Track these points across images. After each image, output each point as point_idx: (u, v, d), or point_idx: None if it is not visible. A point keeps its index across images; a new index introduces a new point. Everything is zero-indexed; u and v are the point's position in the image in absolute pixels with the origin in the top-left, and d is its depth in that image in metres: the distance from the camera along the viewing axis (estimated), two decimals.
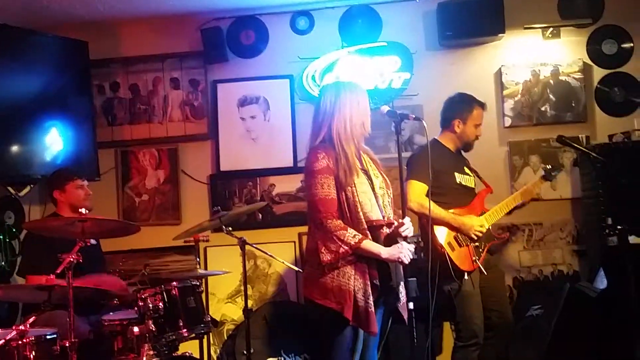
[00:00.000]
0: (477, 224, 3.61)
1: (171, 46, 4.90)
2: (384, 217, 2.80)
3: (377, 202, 2.81)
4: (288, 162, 4.79)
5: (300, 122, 4.81)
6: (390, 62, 4.71)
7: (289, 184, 4.79)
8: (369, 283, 2.68)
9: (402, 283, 2.78)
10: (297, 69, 4.82)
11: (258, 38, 4.88)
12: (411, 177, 3.60)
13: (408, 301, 2.76)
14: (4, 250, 4.41)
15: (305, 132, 4.66)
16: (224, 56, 4.84)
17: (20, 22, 4.39)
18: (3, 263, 4.37)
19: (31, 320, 2.86)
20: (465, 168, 3.82)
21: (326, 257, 2.68)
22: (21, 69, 4.29)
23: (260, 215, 4.77)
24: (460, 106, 3.79)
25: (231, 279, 4.58)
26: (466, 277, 3.54)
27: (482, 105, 3.82)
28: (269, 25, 4.88)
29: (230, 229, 3.77)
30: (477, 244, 3.62)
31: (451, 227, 3.59)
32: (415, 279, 2.77)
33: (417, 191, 3.54)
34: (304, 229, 4.56)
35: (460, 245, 3.58)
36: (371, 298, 2.67)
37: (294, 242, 4.72)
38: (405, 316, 2.80)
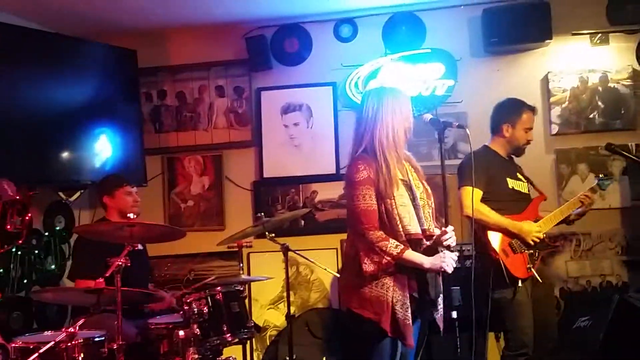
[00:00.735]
0: (535, 229, 3.56)
1: (217, 54, 4.98)
2: (424, 229, 2.75)
3: (417, 213, 2.75)
4: (330, 169, 4.81)
5: (342, 129, 4.82)
6: (434, 69, 4.68)
7: (331, 191, 4.80)
8: (407, 295, 2.65)
9: (453, 294, 2.76)
10: (340, 77, 4.84)
11: (302, 46, 4.92)
12: (464, 184, 3.57)
13: (451, 310, 2.74)
14: (55, 254, 4.54)
15: (348, 139, 4.69)
16: (268, 64, 4.90)
17: (72, 31, 4.54)
18: (53, 266, 4.50)
19: (80, 322, 2.92)
20: (518, 174, 3.77)
21: (369, 267, 2.66)
22: (72, 77, 4.41)
23: (302, 222, 4.79)
24: (509, 110, 3.76)
25: (273, 285, 4.62)
26: (520, 284, 3.48)
27: (532, 109, 3.79)
28: (313, 33, 4.92)
29: (273, 235, 3.81)
30: (531, 251, 3.56)
31: (508, 232, 3.54)
32: (458, 287, 2.75)
33: (470, 197, 3.50)
34: (346, 236, 4.61)
35: (514, 252, 3.53)
36: (409, 310, 2.64)
37: (336, 249, 4.72)
38: (442, 327, 2.77)
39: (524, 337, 3.52)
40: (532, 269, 3.52)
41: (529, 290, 3.55)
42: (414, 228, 2.71)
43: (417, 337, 2.86)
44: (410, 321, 2.64)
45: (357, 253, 2.71)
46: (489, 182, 3.57)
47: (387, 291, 2.64)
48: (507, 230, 3.54)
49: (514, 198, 3.68)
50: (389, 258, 2.63)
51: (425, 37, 4.77)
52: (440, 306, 2.79)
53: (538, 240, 3.55)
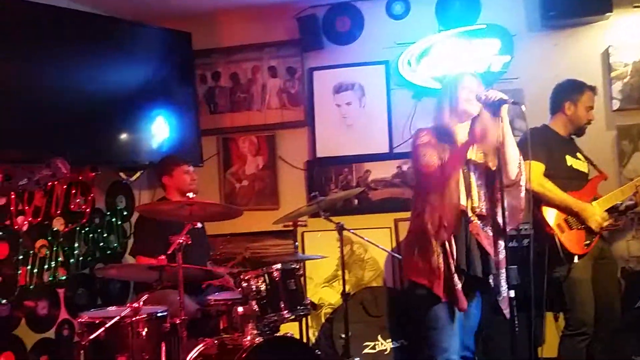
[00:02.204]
0: (599, 213, 3.50)
1: (269, 35, 4.99)
2: (473, 207, 2.83)
3: (468, 189, 2.84)
4: (384, 148, 4.79)
5: (395, 108, 4.79)
6: (489, 44, 4.59)
7: (385, 170, 4.79)
8: (452, 262, 2.77)
9: (502, 275, 2.78)
10: (393, 55, 4.79)
11: (353, 24, 4.89)
12: (525, 159, 3.53)
13: (509, 289, 2.74)
14: (117, 233, 4.69)
15: (401, 118, 4.75)
16: (319, 44, 4.89)
17: (128, 14, 4.62)
18: (116, 245, 4.65)
19: (144, 298, 3.02)
20: (577, 153, 3.70)
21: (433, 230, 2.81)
22: (129, 60, 4.49)
23: (356, 201, 4.80)
24: (571, 88, 3.72)
25: (328, 263, 4.65)
26: (576, 260, 3.43)
27: (592, 89, 3.73)
28: (364, 11, 4.88)
29: (328, 214, 3.84)
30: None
31: (569, 210, 3.48)
32: (515, 266, 2.74)
33: (535, 171, 3.46)
34: (400, 215, 4.62)
35: (570, 228, 3.48)
36: (457, 277, 2.77)
37: (390, 228, 4.72)
38: (506, 311, 2.79)
39: (583, 316, 3.47)
40: (589, 246, 3.46)
41: (589, 269, 3.49)
42: (462, 200, 2.83)
43: (479, 317, 2.96)
44: (460, 286, 2.78)
45: (422, 222, 2.83)
46: (548, 158, 3.53)
47: (438, 258, 2.79)
48: (569, 208, 3.48)
49: (573, 176, 3.62)
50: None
51: (480, 12, 4.67)
52: (504, 289, 2.82)
53: (599, 226, 3.48)
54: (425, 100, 4.68)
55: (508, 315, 2.77)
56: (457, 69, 3.11)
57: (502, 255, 2.84)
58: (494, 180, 2.86)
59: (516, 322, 2.71)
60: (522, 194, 2.89)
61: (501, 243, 2.84)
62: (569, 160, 3.64)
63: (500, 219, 2.77)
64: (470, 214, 2.83)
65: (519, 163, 2.86)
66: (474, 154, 2.89)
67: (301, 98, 4.95)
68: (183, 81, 4.86)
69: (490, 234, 2.87)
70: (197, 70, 5.03)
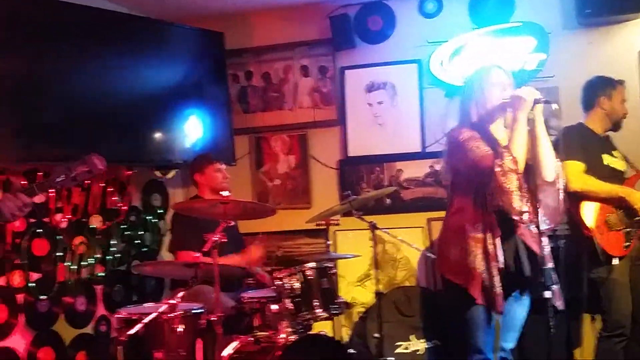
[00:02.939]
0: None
1: (301, 34, 5.01)
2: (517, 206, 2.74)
3: (514, 190, 2.74)
4: (416, 147, 4.78)
5: (428, 107, 4.77)
6: (524, 43, 4.54)
7: (417, 170, 4.78)
8: (494, 265, 2.70)
9: (546, 273, 2.73)
10: (425, 54, 4.77)
11: (385, 23, 4.88)
12: (564, 158, 3.49)
13: (545, 290, 2.70)
14: (152, 230, 4.76)
15: (433, 117, 4.73)
16: (351, 43, 4.89)
17: (162, 15, 4.68)
18: (151, 242, 4.72)
19: (180, 295, 3.07)
20: (614, 151, 3.65)
21: (473, 232, 2.76)
22: (163, 60, 4.55)
23: (388, 200, 4.80)
24: (603, 84, 3.71)
25: (360, 262, 4.65)
26: (615, 262, 3.39)
27: (621, 82, 3.74)
28: (396, 10, 4.86)
29: (361, 213, 3.84)
30: (629, 229, 3.45)
31: (617, 198, 3.44)
32: (552, 266, 2.71)
33: (575, 171, 3.42)
34: (433, 214, 4.60)
35: (609, 229, 3.44)
36: (497, 278, 2.69)
37: (422, 227, 4.71)
38: (559, 305, 2.73)
39: (620, 317, 3.42)
40: (629, 248, 3.41)
41: (627, 270, 3.44)
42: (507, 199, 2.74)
43: (523, 318, 2.94)
44: (499, 289, 2.69)
45: (461, 220, 2.79)
46: (585, 158, 3.49)
47: (474, 258, 2.73)
48: (618, 197, 3.44)
49: (610, 174, 3.58)
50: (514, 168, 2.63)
51: (515, 10, 4.62)
52: (553, 285, 2.75)
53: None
54: (458, 99, 4.62)
55: (561, 307, 2.68)
56: (481, 64, 3.01)
57: (547, 251, 2.77)
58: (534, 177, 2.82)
59: (552, 323, 2.69)
60: (561, 197, 2.84)
61: (545, 239, 2.79)
62: (606, 159, 3.60)
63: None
64: (515, 213, 2.75)
65: (555, 165, 2.82)
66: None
67: (333, 97, 4.96)
68: (216, 81, 4.91)
69: (535, 231, 2.77)
70: (229, 70, 5.06)
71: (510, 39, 4.56)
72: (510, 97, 2.76)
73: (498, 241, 2.74)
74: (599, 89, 3.69)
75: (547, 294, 2.67)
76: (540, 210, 2.68)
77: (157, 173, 4.65)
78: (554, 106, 2.84)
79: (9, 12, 3.67)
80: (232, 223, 3.83)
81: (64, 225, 4.05)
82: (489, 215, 2.75)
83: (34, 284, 3.83)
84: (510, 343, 2.98)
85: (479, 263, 2.73)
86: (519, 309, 2.93)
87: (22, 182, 2.21)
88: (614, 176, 3.60)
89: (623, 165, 3.68)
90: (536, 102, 2.75)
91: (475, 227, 2.76)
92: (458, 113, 2.97)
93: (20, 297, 3.78)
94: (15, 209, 2.14)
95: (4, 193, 2.17)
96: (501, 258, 2.72)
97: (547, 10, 4.59)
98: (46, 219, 3.92)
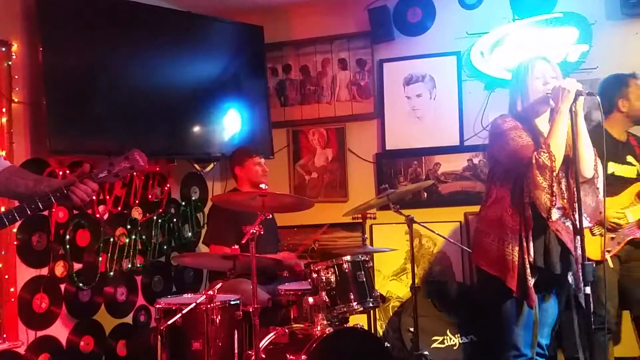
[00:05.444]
0: (614, 215, 3.41)
1: (339, 27, 5.00)
2: (554, 200, 2.71)
3: (552, 184, 2.70)
4: (454, 140, 4.73)
5: (467, 99, 4.72)
6: (566, 34, 4.44)
7: (455, 163, 4.73)
8: (527, 258, 2.70)
9: (586, 269, 2.68)
10: (465, 45, 4.71)
11: (425, 15, 4.83)
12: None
13: (584, 286, 2.66)
14: (191, 222, 4.83)
15: (473, 109, 4.67)
16: (390, 35, 4.86)
17: (201, 9, 4.72)
18: (190, 234, 4.79)
19: (218, 286, 3.11)
20: (628, 157, 3.57)
21: (510, 222, 2.76)
22: (203, 54, 4.60)
23: (425, 194, 4.76)
24: (617, 84, 3.60)
25: (396, 256, 4.64)
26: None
27: (635, 76, 3.63)
28: (436, 1, 4.80)
29: (398, 206, 3.83)
30: (613, 235, 3.39)
31: None
32: (592, 262, 2.67)
33: None
34: (470, 208, 4.56)
35: (592, 234, 3.39)
36: (530, 273, 2.69)
37: (460, 222, 4.66)
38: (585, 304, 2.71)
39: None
40: (608, 255, 3.40)
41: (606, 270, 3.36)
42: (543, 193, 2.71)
43: (555, 315, 2.90)
44: (531, 283, 2.69)
45: (500, 210, 2.78)
46: None
47: (512, 251, 2.72)
48: None
49: (610, 182, 3.44)
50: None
51: (557, 0, 4.52)
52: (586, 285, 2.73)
53: (616, 226, 3.41)
54: (498, 91, 4.59)
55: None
56: (527, 56, 2.98)
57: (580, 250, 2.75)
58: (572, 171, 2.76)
59: (592, 319, 2.64)
60: (600, 196, 2.79)
61: (578, 238, 2.75)
62: (611, 167, 3.51)
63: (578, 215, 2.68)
64: (552, 208, 2.71)
65: (594, 163, 2.77)
66: None
67: (371, 90, 4.94)
68: (254, 74, 4.94)
69: (571, 227, 2.76)
70: (268, 64, 5.09)
71: (552, 30, 4.46)
72: (552, 89, 2.72)
73: (530, 234, 2.72)
74: (615, 91, 3.58)
75: (587, 290, 2.64)
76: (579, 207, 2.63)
77: (196, 166, 4.71)
78: (597, 99, 2.78)
79: (56, 5, 3.76)
80: (270, 216, 3.86)
81: (106, 217, 4.14)
82: (525, 208, 2.72)
83: (76, 274, 3.93)
84: (544, 339, 2.94)
85: (516, 255, 2.72)
86: (551, 304, 2.89)
87: (87, 168, 2.25)
88: (616, 184, 3.50)
89: (635, 172, 3.58)
90: (578, 94, 2.69)
91: (512, 218, 2.75)
92: (508, 104, 2.95)
93: (62, 287, 3.89)
94: (84, 196, 2.19)
95: (75, 178, 2.21)
96: (532, 252, 2.72)
97: (590, 1, 4.47)
98: (89, 211, 4.02)
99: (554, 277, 2.78)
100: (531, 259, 2.71)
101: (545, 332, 2.92)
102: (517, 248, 2.73)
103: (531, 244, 2.72)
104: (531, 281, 2.71)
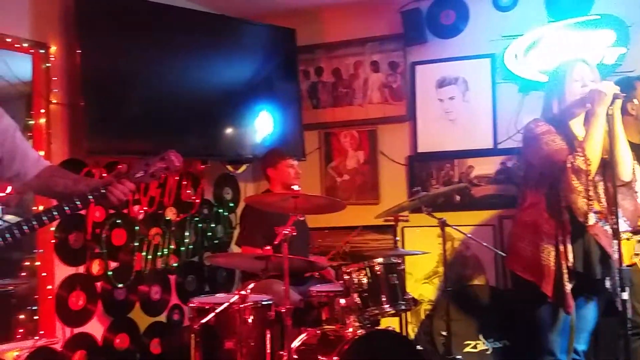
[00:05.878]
0: None
1: (372, 30, 4.99)
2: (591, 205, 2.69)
3: (589, 188, 2.69)
4: (487, 143, 4.68)
5: (501, 102, 4.67)
6: (602, 36, 4.37)
7: (489, 166, 4.68)
8: (564, 264, 2.67)
9: (624, 274, 2.64)
10: (499, 48, 4.66)
11: (458, 17, 4.80)
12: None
13: (621, 291, 2.62)
14: (224, 223, 4.87)
15: (507, 112, 4.63)
16: (423, 37, 4.84)
17: (235, 12, 4.77)
18: (223, 234, 4.83)
19: (251, 286, 3.13)
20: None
21: (546, 228, 2.73)
22: (236, 57, 4.65)
23: (458, 197, 4.73)
24: (624, 88, 3.46)
25: (428, 259, 4.61)
26: None
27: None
28: (470, 3, 4.77)
29: (430, 209, 3.81)
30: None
31: None
32: (629, 267, 2.65)
33: None
34: (504, 212, 4.51)
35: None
36: (566, 277, 2.66)
37: (494, 225, 4.61)
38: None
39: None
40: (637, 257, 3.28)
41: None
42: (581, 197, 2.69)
43: (593, 320, 2.87)
44: (569, 288, 2.67)
45: (535, 215, 2.76)
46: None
47: (548, 256, 2.70)
48: None
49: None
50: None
51: (593, 2, 4.46)
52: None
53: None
54: (532, 94, 4.52)
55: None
56: (567, 58, 2.95)
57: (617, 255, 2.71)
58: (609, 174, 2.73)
59: (629, 324, 2.61)
60: (639, 199, 2.75)
61: (615, 242, 2.71)
62: None
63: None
64: (589, 212, 2.69)
65: (632, 167, 2.73)
66: None
67: (403, 93, 4.93)
68: (287, 77, 4.97)
69: (610, 231, 2.73)
70: (300, 66, 5.11)
71: (589, 32, 4.40)
72: (589, 91, 2.69)
73: (568, 239, 2.69)
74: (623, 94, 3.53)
75: (625, 295, 2.60)
76: (618, 211, 2.60)
77: (229, 167, 4.76)
78: (636, 101, 2.75)
79: (93, 8, 3.83)
80: (302, 217, 3.89)
81: (141, 216, 4.21)
82: (561, 212, 2.70)
83: (112, 273, 3.99)
84: (581, 345, 2.90)
85: (552, 260, 2.69)
86: (589, 309, 2.86)
87: (124, 168, 2.27)
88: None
89: None
90: (615, 97, 2.66)
91: (548, 223, 2.73)
92: (541, 106, 2.92)
93: (99, 285, 3.95)
94: (121, 195, 2.23)
95: (112, 178, 2.24)
96: (570, 257, 2.69)
97: (627, 2, 4.39)
98: (124, 210, 4.08)
99: (593, 282, 2.74)
100: (569, 264, 2.68)
101: (582, 337, 2.89)
102: (553, 253, 2.70)
103: (570, 248, 2.69)
104: (568, 286, 2.68)
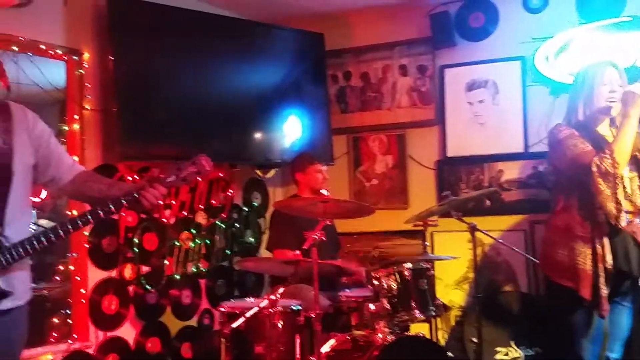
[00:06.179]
0: None
1: (400, 34, 4.98)
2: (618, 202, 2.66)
3: (625, 186, 2.68)
4: (518, 147, 4.63)
5: (531, 105, 4.61)
6: (635, 38, 4.30)
7: (519, 170, 4.63)
8: (602, 267, 2.64)
9: None
10: (529, 50, 4.60)
11: (488, 20, 4.76)
12: None
13: None
14: (253, 227, 4.90)
15: (537, 115, 4.57)
16: (451, 41, 4.81)
17: (263, 17, 4.80)
18: (252, 239, 4.86)
19: (281, 291, 3.14)
20: None
21: (580, 232, 2.72)
22: (265, 62, 4.67)
23: (488, 202, 4.68)
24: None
25: (458, 265, 4.57)
26: None
27: None
28: (500, 5, 4.73)
29: (460, 214, 3.78)
30: None
31: None
32: None
33: None
34: (536, 217, 4.45)
35: None
36: (603, 280, 2.64)
37: (525, 230, 4.55)
38: None
39: None
40: None
41: None
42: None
43: (629, 326, 2.83)
44: (605, 292, 2.64)
45: (568, 218, 2.73)
46: None
47: (584, 259, 2.67)
48: None
49: None
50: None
51: (626, 3, 4.38)
52: None
53: None
54: (563, 96, 4.42)
55: None
56: (593, 60, 2.91)
57: None
58: None
59: None
60: None
61: None
62: None
63: None
64: (625, 210, 2.66)
65: None
66: None
67: (432, 96, 4.90)
68: (315, 81, 4.98)
69: None
70: (328, 70, 5.12)
71: (621, 35, 4.32)
72: (623, 93, 2.66)
73: (606, 240, 2.66)
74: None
75: None
76: None
77: (258, 172, 4.78)
78: None
79: (125, 15, 3.89)
80: (331, 222, 3.89)
81: (172, 221, 4.25)
82: (596, 214, 2.67)
83: (143, 277, 4.04)
84: (615, 353, 2.85)
85: (588, 263, 2.66)
86: (623, 315, 2.82)
87: (156, 173, 2.30)
88: None
89: None
90: None
91: (582, 226, 2.70)
92: (565, 109, 2.89)
93: (131, 289, 4.00)
94: (154, 199, 2.25)
95: (145, 183, 2.27)
96: (609, 257, 2.65)
97: None
98: (156, 215, 4.13)
99: (630, 284, 2.71)
100: (608, 265, 2.64)
101: (616, 346, 2.84)
102: (589, 256, 2.67)
103: (608, 250, 2.65)
104: (604, 290, 2.65)
